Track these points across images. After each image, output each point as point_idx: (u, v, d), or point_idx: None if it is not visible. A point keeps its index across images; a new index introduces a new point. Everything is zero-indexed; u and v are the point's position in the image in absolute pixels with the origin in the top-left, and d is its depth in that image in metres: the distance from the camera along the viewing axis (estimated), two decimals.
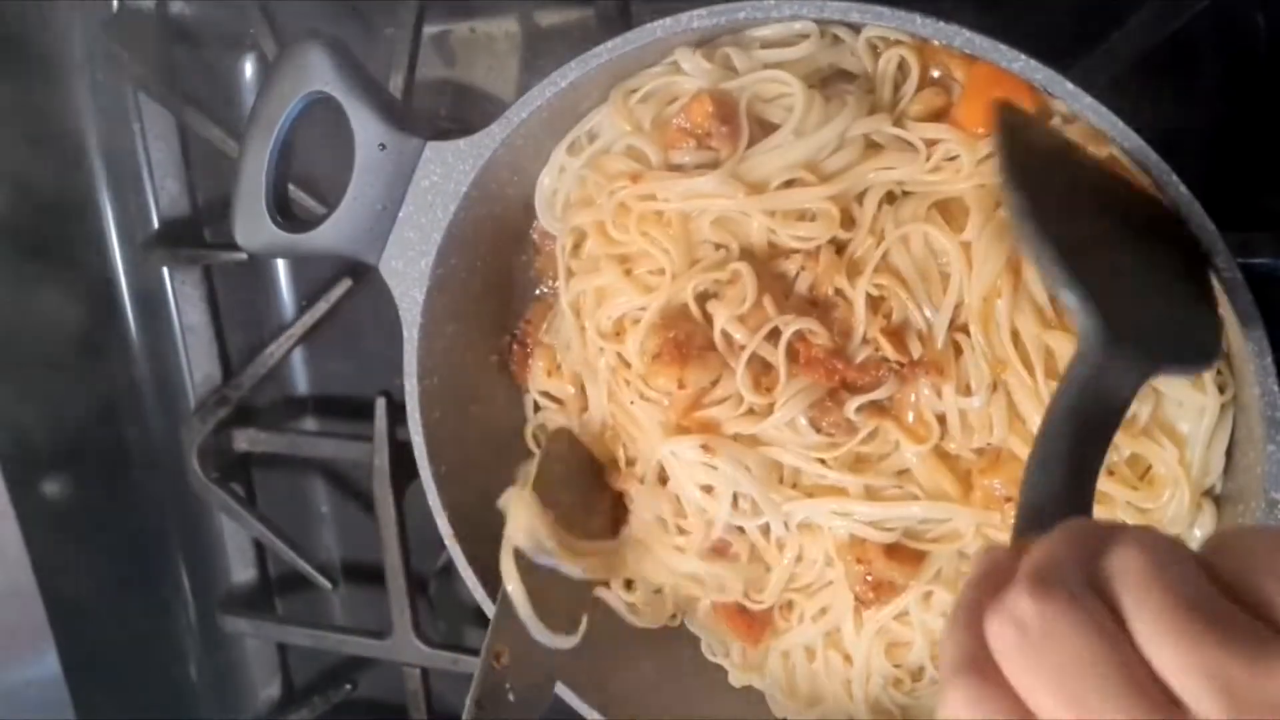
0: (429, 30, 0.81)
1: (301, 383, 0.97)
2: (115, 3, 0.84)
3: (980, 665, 0.33)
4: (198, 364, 0.92)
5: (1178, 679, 0.30)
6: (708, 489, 0.64)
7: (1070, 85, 0.51)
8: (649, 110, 0.65)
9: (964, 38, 0.53)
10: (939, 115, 0.61)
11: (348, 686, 0.97)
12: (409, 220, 0.65)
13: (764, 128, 0.62)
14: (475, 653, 0.86)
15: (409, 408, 0.68)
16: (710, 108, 0.61)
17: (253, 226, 0.67)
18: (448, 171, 0.64)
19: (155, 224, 0.89)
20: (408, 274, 0.66)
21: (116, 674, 0.91)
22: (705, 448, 0.63)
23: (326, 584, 0.91)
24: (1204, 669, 0.30)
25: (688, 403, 0.64)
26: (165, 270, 0.90)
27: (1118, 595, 0.32)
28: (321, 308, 0.85)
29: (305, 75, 0.64)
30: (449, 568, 0.93)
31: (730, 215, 0.62)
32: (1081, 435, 0.44)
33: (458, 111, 0.86)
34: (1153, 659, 0.31)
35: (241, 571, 0.97)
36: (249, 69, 0.90)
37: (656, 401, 0.64)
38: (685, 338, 0.63)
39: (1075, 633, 0.32)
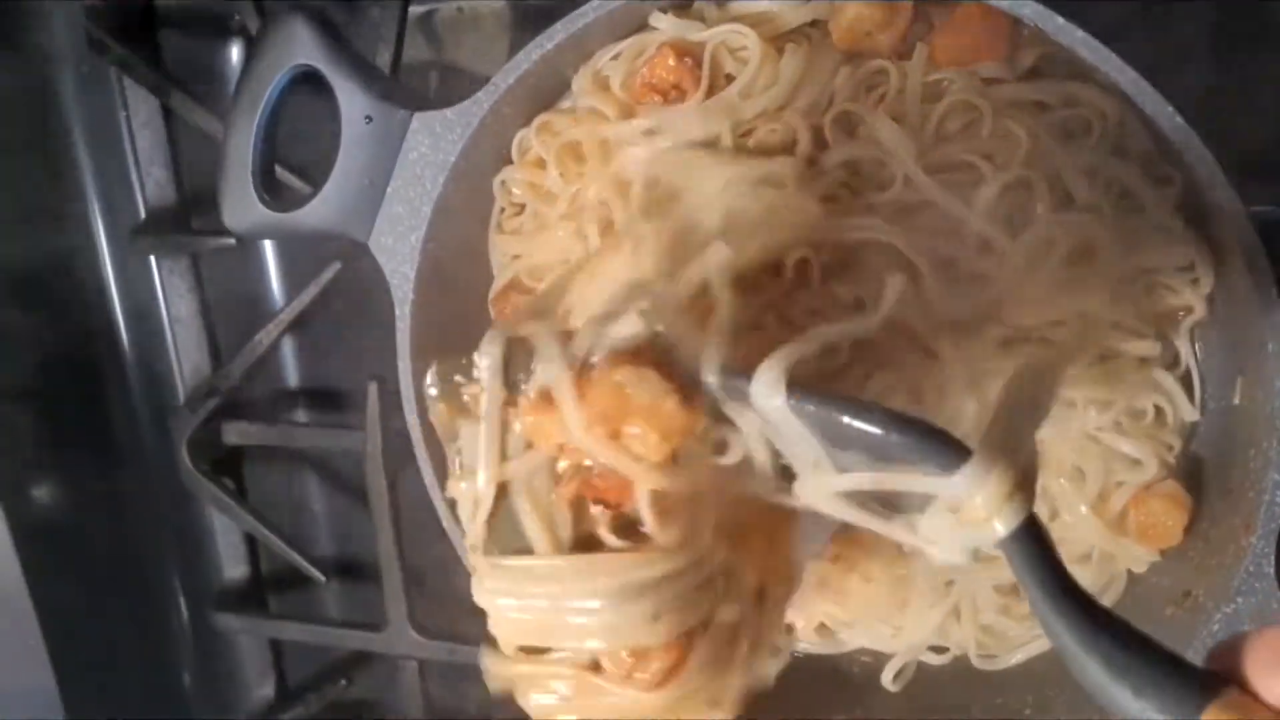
0: (415, 10, 0.81)
1: (292, 375, 0.95)
2: None
3: None
4: (186, 355, 0.91)
5: None
6: None
7: (1061, 20, 0.51)
8: (619, 69, 0.64)
9: None
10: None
11: (343, 682, 0.95)
12: (398, 194, 0.64)
13: (728, 81, 0.62)
14: (473, 643, 0.85)
15: (403, 388, 0.66)
16: (672, 60, 0.61)
17: (240, 207, 0.65)
18: (436, 142, 0.63)
19: (142, 213, 0.88)
20: (398, 250, 0.64)
21: (108, 676, 0.89)
22: None
23: (319, 576, 0.90)
24: None
25: None
26: (152, 259, 0.89)
27: None
28: (311, 291, 0.84)
29: (289, 49, 0.62)
30: (444, 558, 0.92)
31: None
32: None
33: (445, 93, 0.84)
34: None
35: (233, 568, 0.96)
36: (235, 54, 0.89)
37: None
38: (512, 310, 0.68)
39: None
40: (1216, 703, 0.36)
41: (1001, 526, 0.40)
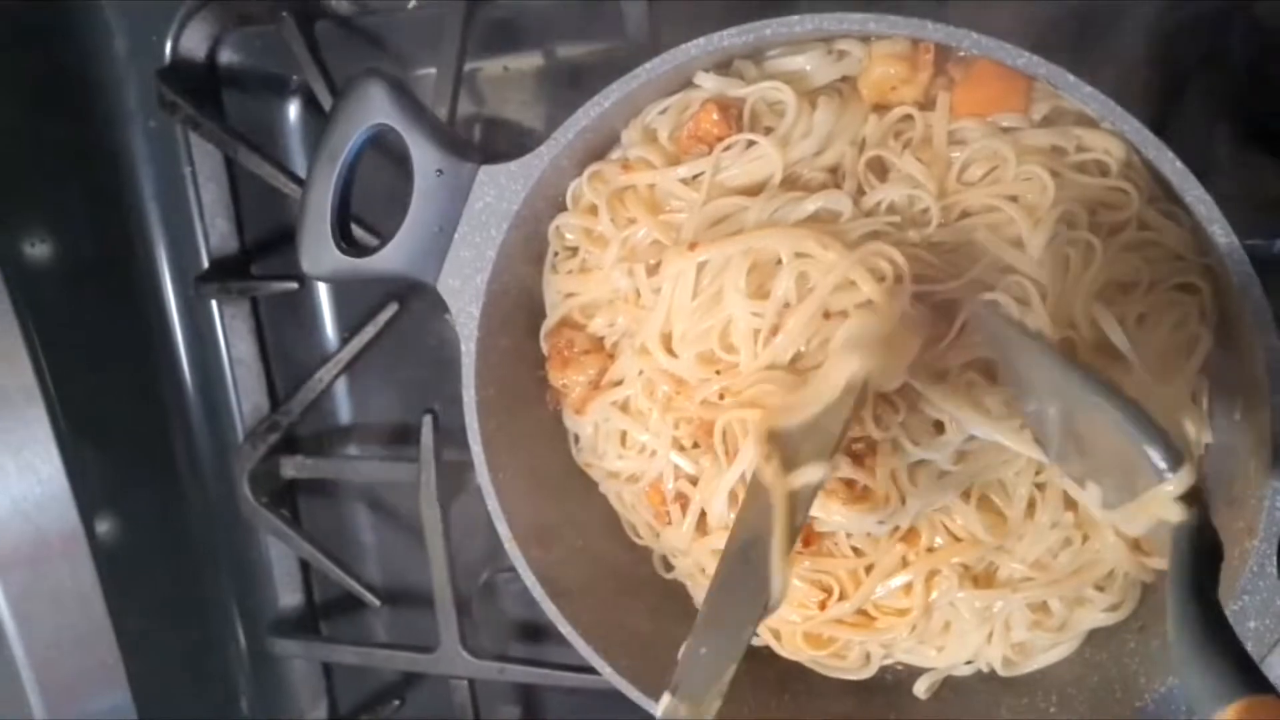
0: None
1: (345, 412, 1.01)
2: (169, 54, 0.89)
3: None
4: (246, 394, 0.96)
5: None
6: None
7: (1071, 77, 0.57)
8: (667, 122, 0.70)
9: (972, 39, 0.59)
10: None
11: (396, 703, 1.00)
12: (464, 240, 0.69)
13: (767, 133, 0.68)
14: (520, 662, 0.90)
15: (468, 418, 0.71)
16: (716, 114, 0.67)
17: (319, 254, 0.71)
18: (500, 192, 0.68)
19: (205, 261, 0.93)
20: (464, 291, 0.70)
21: (176, 700, 0.93)
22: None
23: (374, 600, 0.95)
24: None
25: (585, 391, 0.75)
26: (215, 304, 0.94)
27: None
28: (369, 332, 0.89)
29: (367, 109, 0.68)
30: (490, 584, 0.97)
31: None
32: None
33: (491, 146, 0.91)
34: None
35: (288, 596, 1.01)
36: (293, 112, 0.95)
37: None
38: (565, 344, 0.74)
39: None
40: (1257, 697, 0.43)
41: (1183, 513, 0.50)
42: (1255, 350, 0.58)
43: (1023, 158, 0.63)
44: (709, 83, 0.68)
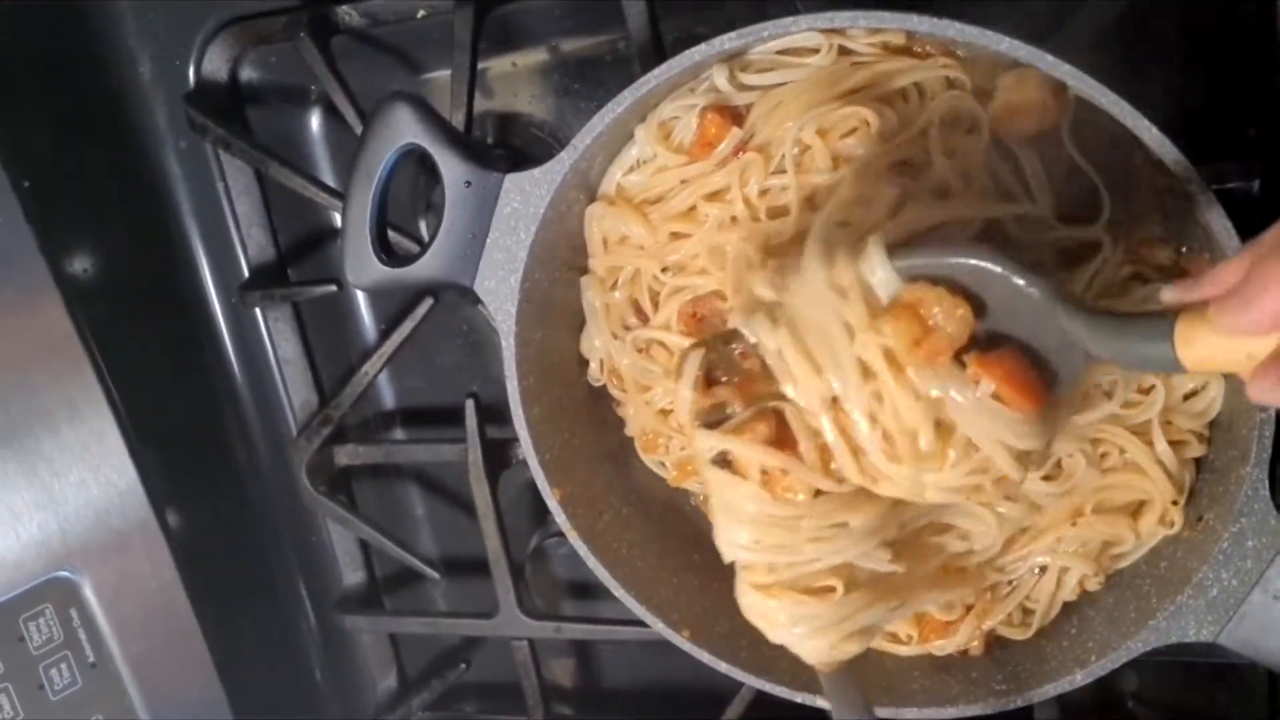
0: None
1: (389, 400, 1.07)
2: (192, 78, 0.93)
3: None
4: (295, 391, 1.01)
5: None
6: None
7: (1050, 57, 0.61)
8: (681, 122, 0.74)
9: (956, 29, 0.63)
10: None
11: (462, 666, 1.06)
12: (496, 244, 0.74)
13: None
14: (574, 620, 0.96)
15: (512, 406, 0.77)
16: (721, 118, 0.72)
17: (362, 266, 0.76)
18: (526, 198, 0.73)
19: (245, 271, 0.98)
20: (500, 291, 0.75)
21: (255, 679, 1.00)
22: None
23: (433, 573, 1.01)
24: None
25: None
26: (258, 311, 0.99)
27: None
28: (408, 327, 0.94)
29: (396, 131, 0.73)
30: (540, 550, 1.03)
31: None
32: None
33: (506, 139, 0.95)
34: None
35: (351, 575, 1.07)
36: (315, 122, 0.99)
37: None
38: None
39: None
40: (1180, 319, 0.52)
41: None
42: None
43: None
44: (720, 80, 0.72)
